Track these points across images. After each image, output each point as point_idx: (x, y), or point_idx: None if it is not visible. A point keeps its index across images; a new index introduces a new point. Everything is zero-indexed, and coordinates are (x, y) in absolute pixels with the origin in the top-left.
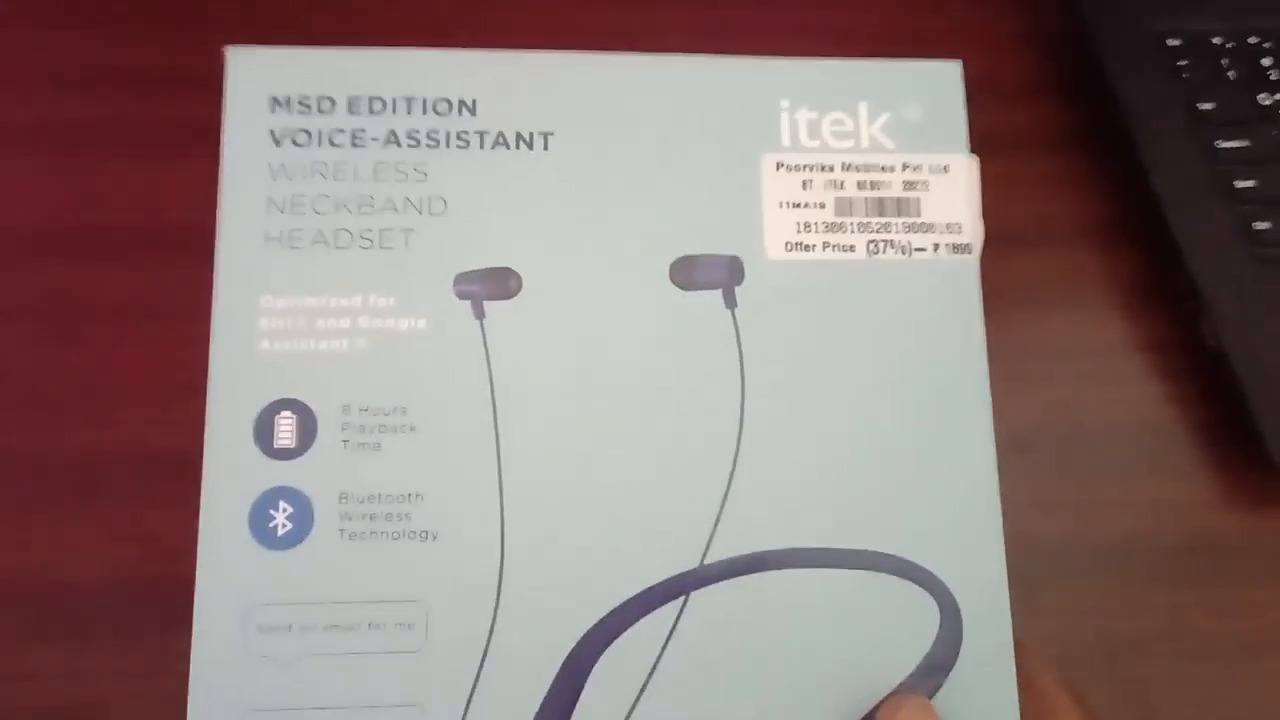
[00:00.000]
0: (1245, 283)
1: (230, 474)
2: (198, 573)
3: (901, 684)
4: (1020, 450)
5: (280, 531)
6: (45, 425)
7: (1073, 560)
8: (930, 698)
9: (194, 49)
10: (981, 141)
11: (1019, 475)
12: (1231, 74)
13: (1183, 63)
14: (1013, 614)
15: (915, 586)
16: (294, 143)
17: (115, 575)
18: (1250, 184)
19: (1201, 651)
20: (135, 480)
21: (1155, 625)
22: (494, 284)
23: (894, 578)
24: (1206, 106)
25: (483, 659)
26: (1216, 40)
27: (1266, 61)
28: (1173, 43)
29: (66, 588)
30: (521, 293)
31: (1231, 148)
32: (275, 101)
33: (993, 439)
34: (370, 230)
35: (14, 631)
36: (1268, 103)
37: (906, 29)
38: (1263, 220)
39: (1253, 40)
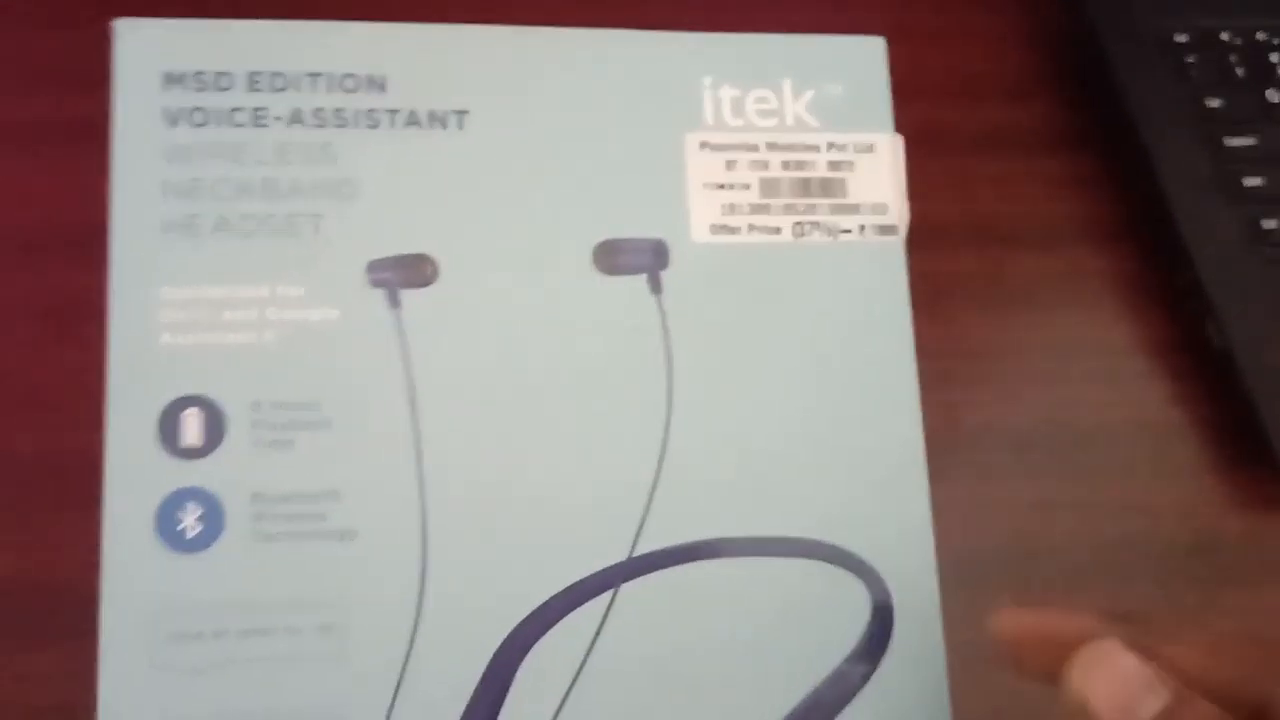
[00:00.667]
0: (1252, 282)
1: (134, 475)
2: (102, 580)
3: (835, 670)
4: (1024, 450)
5: (189, 534)
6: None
7: (1075, 561)
8: (861, 684)
9: None
10: (985, 139)
11: (1022, 475)
12: (1239, 71)
13: (1190, 59)
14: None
15: (847, 573)
16: (190, 122)
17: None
18: (1258, 182)
19: None
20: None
21: (1157, 626)
22: (409, 271)
23: (826, 565)
24: (1214, 104)
25: (405, 662)
26: (1224, 37)
27: (1275, 58)
28: (1180, 39)
29: (65, 588)
30: (438, 280)
31: (1239, 146)
32: (168, 78)
33: (920, 423)
34: (276, 215)
35: (10, 632)
36: (1276, 100)
37: (907, 27)
38: (1270, 219)
39: (1261, 36)
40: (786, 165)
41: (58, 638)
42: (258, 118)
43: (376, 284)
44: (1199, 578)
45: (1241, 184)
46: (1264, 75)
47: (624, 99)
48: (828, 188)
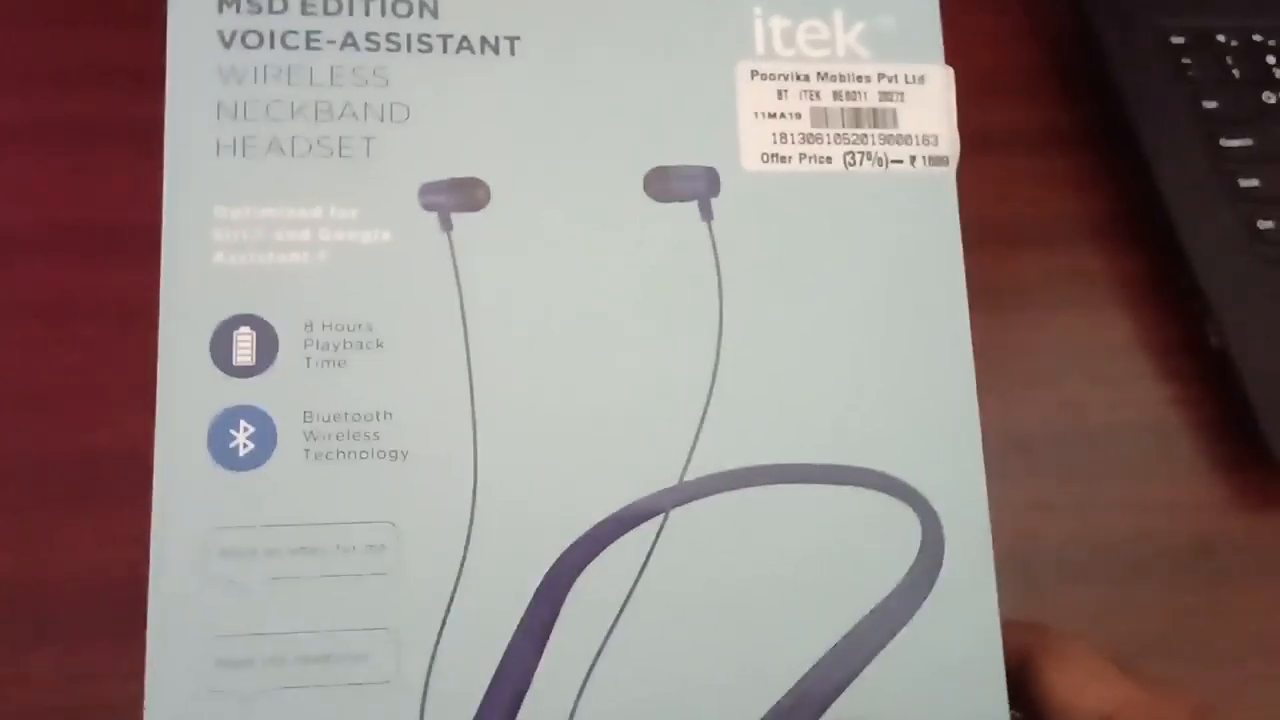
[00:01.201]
0: (1249, 283)
1: (186, 393)
2: (154, 497)
3: (884, 600)
4: (1023, 450)
5: (242, 452)
6: (44, 426)
7: (1075, 561)
8: (911, 614)
9: None
10: (984, 139)
11: (1022, 475)
12: (1236, 72)
13: (1187, 61)
14: (1016, 614)
15: (897, 502)
16: (244, 44)
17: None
18: (1254, 183)
19: (1205, 654)
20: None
21: (1158, 627)
22: (461, 195)
23: (876, 493)
24: (1211, 105)
25: (456, 581)
26: (1221, 38)
27: (1271, 59)
28: (1177, 40)
29: (64, 589)
30: (490, 204)
31: (1236, 146)
32: (223, 1)
33: (970, 353)
34: (329, 138)
35: (9, 632)
36: (1272, 101)
37: None
38: (1267, 219)
39: (1258, 38)
40: (837, 95)
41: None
42: (311, 41)
43: (428, 207)
44: (1198, 577)
45: (1238, 184)
46: (1260, 76)
47: (676, 27)
48: (879, 118)
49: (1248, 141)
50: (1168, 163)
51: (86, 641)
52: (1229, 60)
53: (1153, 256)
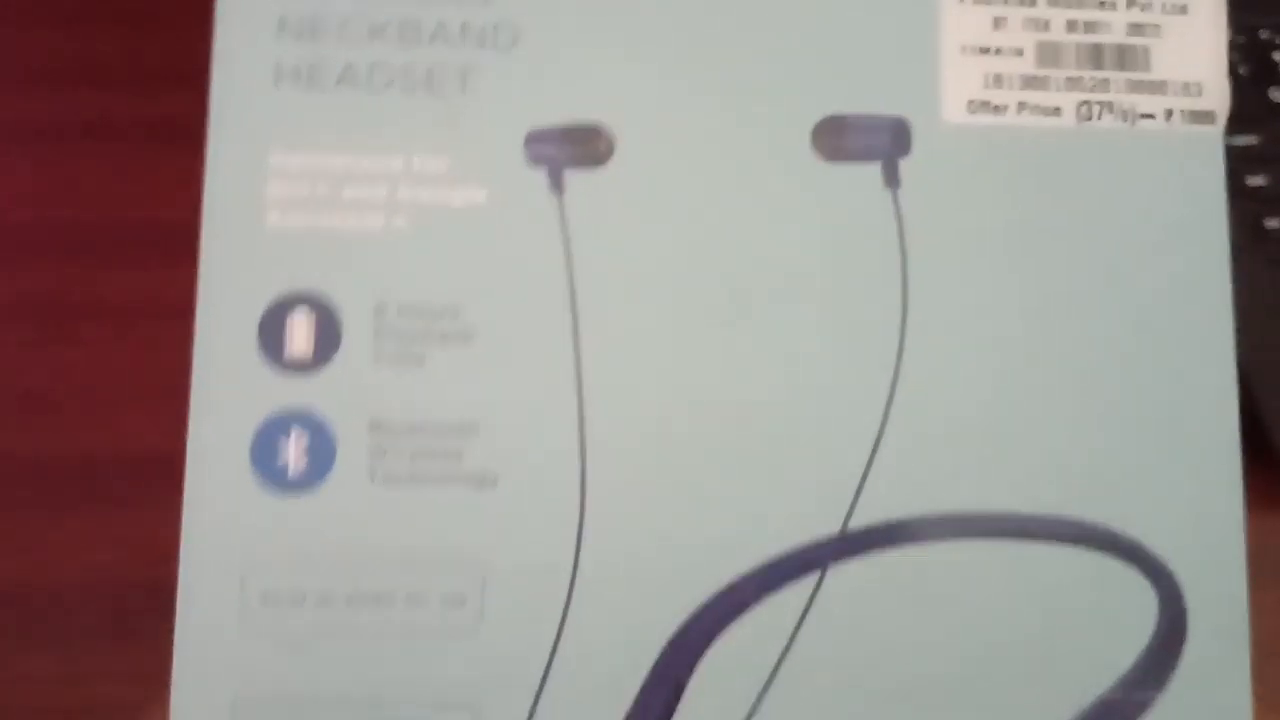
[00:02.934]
0: (1255, 282)
1: (227, 391)
2: (183, 523)
3: (1105, 693)
4: None
5: (292, 470)
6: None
7: None
8: (1139, 714)
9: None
10: None
11: None
12: (1241, 70)
13: None
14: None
15: (1126, 566)
16: None
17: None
18: (1261, 181)
19: None
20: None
21: None
22: (578, 146)
23: (1098, 554)
24: None
25: (555, 646)
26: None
27: (1278, 56)
28: None
29: (64, 590)
30: (614, 159)
31: (1242, 144)
32: None
33: (1234, 375)
34: (416, 67)
35: (9, 634)
36: (1279, 98)
37: None
38: (1273, 218)
39: (1264, 35)
40: (1072, 26)
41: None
42: None
43: (536, 160)
44: None
45: (1244, 183)
46: (1267, 74)
47: None
48: (1125, 58)
49: (1254, 139)
50: None
51: (86, 643)
52: (1234, 57)
53: None
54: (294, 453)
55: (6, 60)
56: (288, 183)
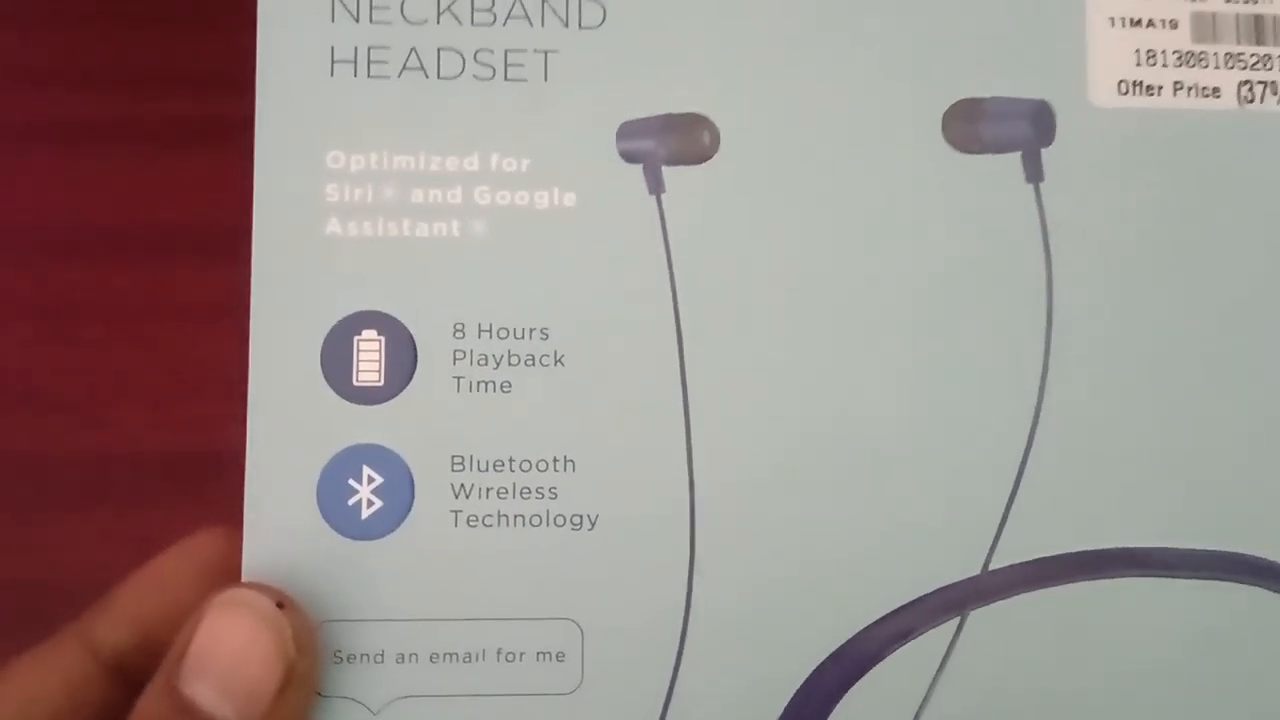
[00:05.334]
0: None
1: (289, 425)
2: (243, 571)
3: None
4: None
5: (365, 512)
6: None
7: None
8: None
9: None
10: None
11: None
12: None
13: None
14: None
15: None
16: None
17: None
18: None
19: None
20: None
21: None
22: (678, 139)
23: (1262, 591)
24: None
25: (665, 706)
26: None
27: None
28: None
29: (72, 588)
30: (719, 154)
31: None
32: None
33: None
34: (492, 51)
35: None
36: None
37: None
38: None
39: None
40: None
41: None
42: None
43: (631, 156)
44: None
45: None
46: None
47: None
48: None
49: None
50: None
51: None
52: None
53: None
54: (366, 492)
55: (13, 61)
56: (348, 186)
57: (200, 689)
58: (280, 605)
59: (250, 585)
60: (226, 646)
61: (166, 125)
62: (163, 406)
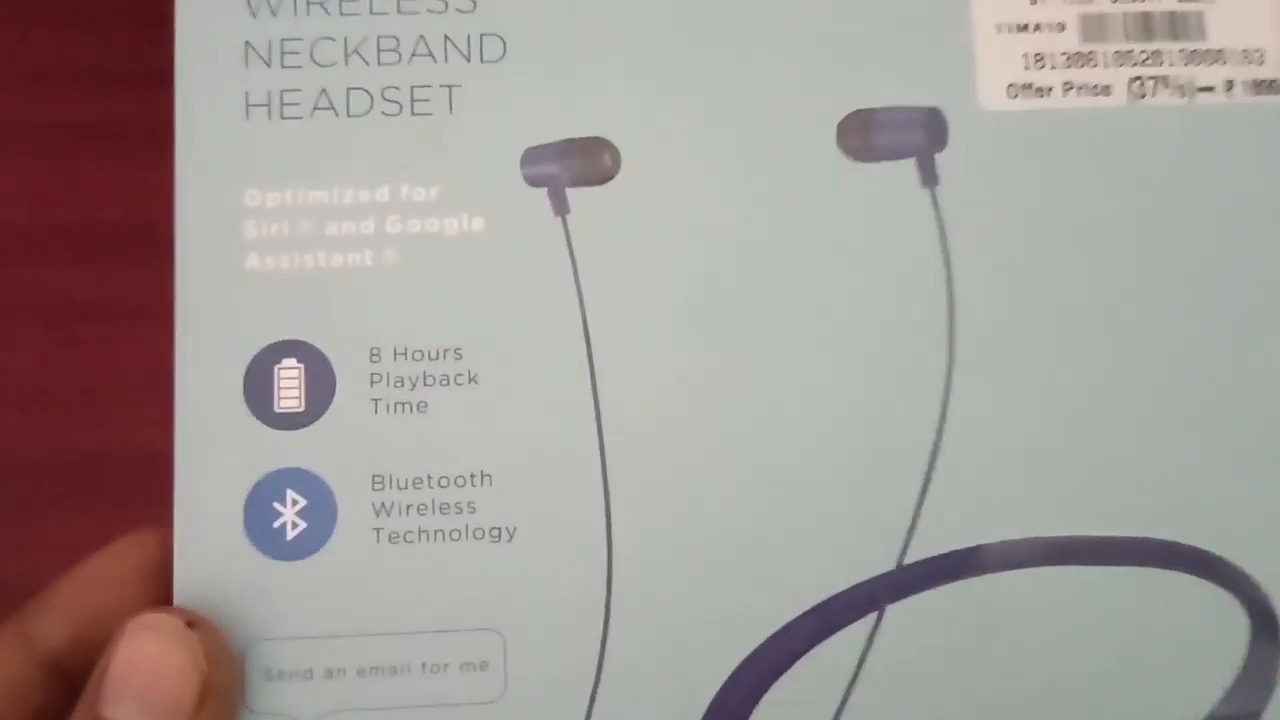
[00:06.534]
0: None
1: (214, 453)
2: (174, 596)
3: None
4: None
5: (290, 533)
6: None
7: None
8: None
9: None
10: None
11: None
12: None
13: None
14: None
15: (1213, 587)
16: None
17: None
18: None
19: None
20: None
21: None
22: (581, 161)
23: (1179, 575)
24: None
25: (589, 710)
26: None
27: None
28: None
29: None
30: (620, 174)
31: None
32: None
33: None
34: (398, 88)
35: None
36: None
37: None
38: None
39: None
40: None
41: None
42: None
43: (535, 181)
44: None
45: None
46: None
47: None
48: (1177, 26)
49: None
50: None
51: None
52: None
53: None
54: (290, 514)
55: (10, 60)
56: (266, 222)
57: (122, 710)
58: (190, 624)
59: (160, 609)
60: (142, 668)
61: (167, 125)
62: (162, 406)
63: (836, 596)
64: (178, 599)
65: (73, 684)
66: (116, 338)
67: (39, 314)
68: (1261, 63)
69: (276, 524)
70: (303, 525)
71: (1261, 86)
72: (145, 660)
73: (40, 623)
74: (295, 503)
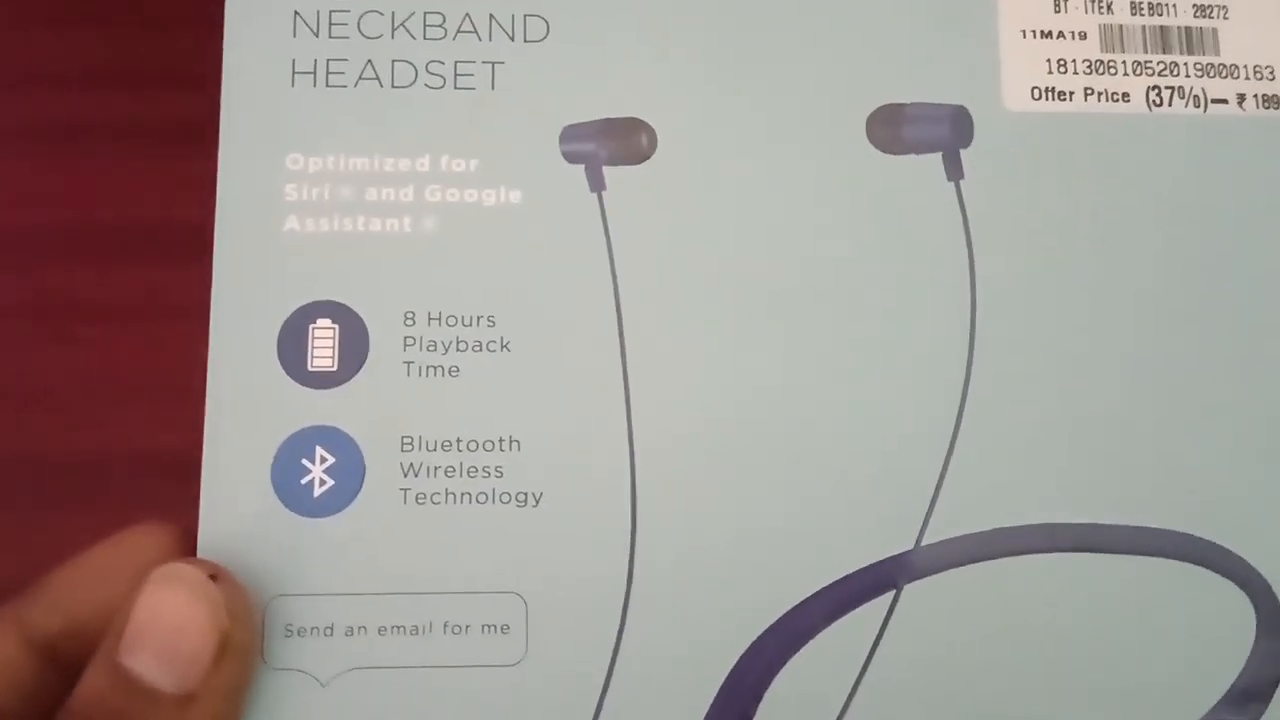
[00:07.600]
0: None
1: (246, 408)
2: (199, 548)
3: (1208, 714)
4: None
5: (317, 490)
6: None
7: None
8: None
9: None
10: None
11: None
12: None
13: None
14: None
15: (1220, 579)
16: None
17: None
18: None
19: None
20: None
21: None
22: (618, 141)
23: (1189, 567)
24: None
25: (608, 677)
26: None
27: None
28: None
29: None
30: (656, 154)
31: None
32: None
33: None
34: (442, 62)
35: None
36: None
37: None
38: None
39: None
40: (1136, 9)
41: None
42: None
43: (573, 157)
44: None
45: None
46: None
47: None
48: (1193, 41)
49: None
50: None
51: None
52: None
53: None
54: (319, 473)
55: (10, 61)
56: (306, 186)
57: (140, 660)
58: (214, 577)
59: (185, 560)
60: (163, 619)
61: (166, 125)
62: (162, 406)
63: (856, 573)
64: (202, 550)
65: (66, 672)
66: (116, 338)
67: (39, 314)
68: (1273, 78)
69: (304, 480)
70: (330, 483)
71: (1271, 101)
72: (167, 612)
73: (35, 610)
74: (324, 460)
